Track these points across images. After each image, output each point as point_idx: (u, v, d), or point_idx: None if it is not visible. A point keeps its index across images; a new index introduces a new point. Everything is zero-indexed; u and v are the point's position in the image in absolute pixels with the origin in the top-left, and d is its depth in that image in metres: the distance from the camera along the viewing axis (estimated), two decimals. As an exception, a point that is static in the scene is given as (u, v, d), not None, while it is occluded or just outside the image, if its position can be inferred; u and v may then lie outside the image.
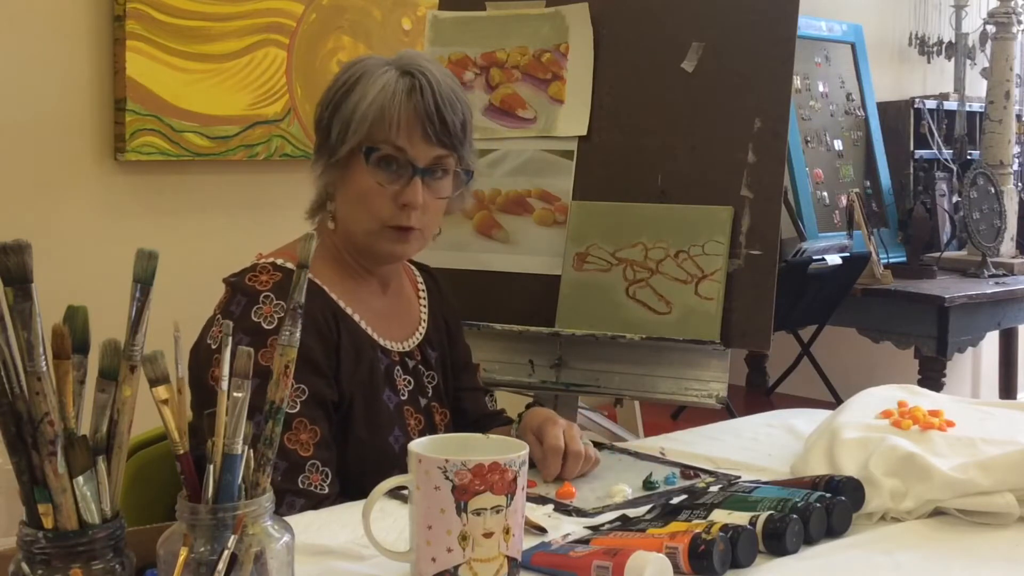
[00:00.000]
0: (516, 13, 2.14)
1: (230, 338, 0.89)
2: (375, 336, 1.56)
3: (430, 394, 1.63)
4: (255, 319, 1.44)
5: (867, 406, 1.52)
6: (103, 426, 0.87)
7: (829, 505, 1.20)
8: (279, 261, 1.51)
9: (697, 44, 2.00)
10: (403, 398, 1.57)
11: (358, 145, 1.51)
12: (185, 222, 2.84)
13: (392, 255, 1.58)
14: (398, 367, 1.58)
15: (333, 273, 1.55)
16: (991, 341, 4.02)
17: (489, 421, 1.71)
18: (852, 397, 1.58)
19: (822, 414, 1.63)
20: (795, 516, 1.16)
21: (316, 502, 1.40)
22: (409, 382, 1.60)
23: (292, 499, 1.39)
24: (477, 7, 2.17)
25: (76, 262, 2.62)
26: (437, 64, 1.58)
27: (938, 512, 1.27)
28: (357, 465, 1.47)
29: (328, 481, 1.43)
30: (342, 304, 1.53)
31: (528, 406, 1.67)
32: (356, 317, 1.54)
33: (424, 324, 1.66)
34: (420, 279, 1.72)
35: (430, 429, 1.60)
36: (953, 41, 4.00)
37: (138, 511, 1.34)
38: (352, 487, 1.42)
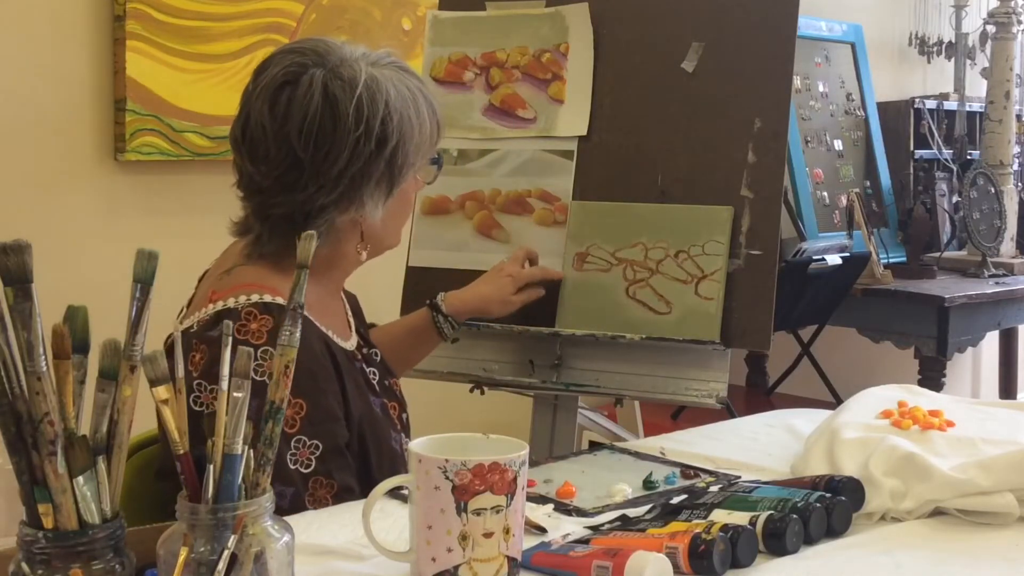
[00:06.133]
0: (516, 13, 2.14)
1: (230, 338, 0.89)
2: (344, 345, 1.52)
3: (384, 372, 1.59)
4: (258, 378, 1.28)
5: (867, 406, 1.52)
6: (103, 426, 0.87)
7: (829, 505, 1.20)
8: (255, 297, 1.41)
9: (697, 44, 2.00)
10: (379, 393, 1.54)
11: (429, 160, 1.53)
12: (185, 222, 2.84)
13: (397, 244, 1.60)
14: (364, 364, 1.55)
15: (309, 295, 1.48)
16: (991, 341, 4.02)
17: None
18: (852, 397, 1.57)
19: (822, 414, 1.63)
20: (795, 516, 1.16)
21: None
22: (374, 374, 1.56)
23: None
24: (477, 7, 2.17)
25: (76, 262, 2.62)
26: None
27: (938, 512, 1.27)
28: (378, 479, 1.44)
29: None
30: (322, 327, 1.47)
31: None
32: (331, 334, 1.49)
33: (346, 303, 1.63)
34: None
35: (402, 407, 1.59)
36: (953, 41, 4.00)
37: (138, 511, 1.34)
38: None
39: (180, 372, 0.88)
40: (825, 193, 3.34)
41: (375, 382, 1.55)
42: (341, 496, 1.39)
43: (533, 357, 2.04)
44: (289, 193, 1.44)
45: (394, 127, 1.44)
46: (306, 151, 1.42)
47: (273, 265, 1.47)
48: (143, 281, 0.88)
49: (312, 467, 1.38)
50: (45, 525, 0.84)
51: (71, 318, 0.86)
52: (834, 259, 3.02)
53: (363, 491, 1.42)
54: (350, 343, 1.55)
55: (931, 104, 3.77)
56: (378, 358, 1.61)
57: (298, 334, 0.91)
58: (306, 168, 1.43)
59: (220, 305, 1.41)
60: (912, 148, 3.69)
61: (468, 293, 1.87)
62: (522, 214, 2.08)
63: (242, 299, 1.41)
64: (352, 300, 1.68)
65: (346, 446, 1.43)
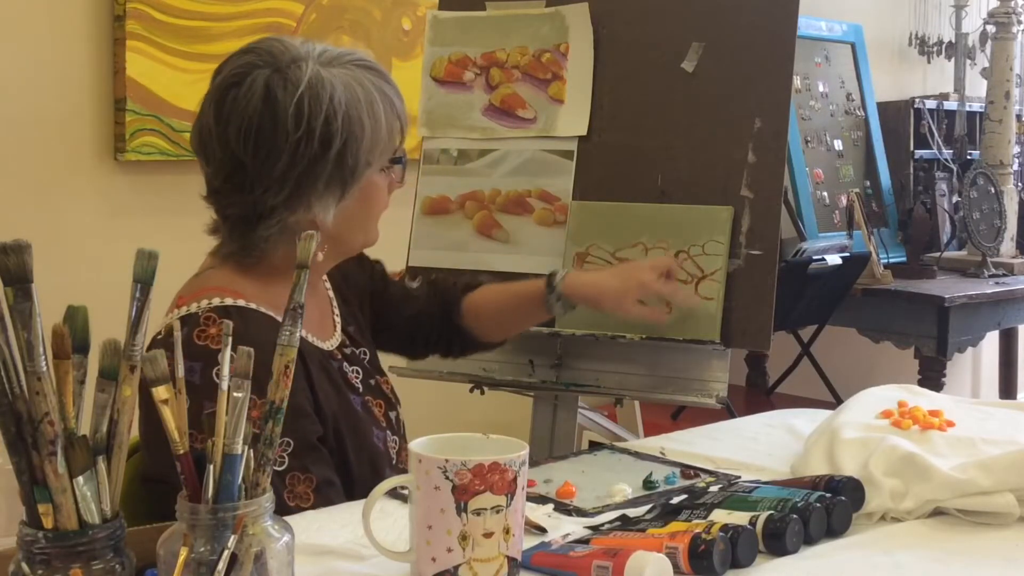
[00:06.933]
0: (516, 13, 2.14)
1: (229, 338, 0.89)
2: (320, 344, 1.51)
3: (370, 371, 1.59)
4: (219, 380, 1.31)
5: (867, 406, 1.52)
6: (103, 426, 0.87)
7: (829, 505, 1.20)
8: (216, 300, 1.40)
9: (697, 44, 2.00)
10: (361, 392, 1.54)
11: (388, 159, 1.48)
12: (185, 222, 2.82)
13: (373, 243, 1.56)
14: (344, 363, 1.54)
15: (269, 295, 1.44)
16: (991, 341, 4.02)
17: (445, 293, 1.79)
18: (852, 397, 1.57)
19: (822, 414, 1.63)
20: (795, 516, 1.16)
21: None
22: (358, 372, 1.55)
23: None
24: (477, 7, 2.17)
25: (76, 262, 2.62)
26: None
27: (938, 512, 1.27)
28: (361, 483, 1.44)
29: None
30: None
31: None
32: (303, 332, 1.44)
33: (335, 304, 1.62)
34: None
35: (389, 405, 1.58)
36: (953, 41, 4.00)
37: (138, 511, 1.34)
38: (358, 496, 1.40)
39: (180, 372, 0.88)
40: (825, 193, 3.34)
41: (358, 380, 1.55)
42: (321, 489, 1.39)
43: (533, 357, 2.04)
44: (238, 194, 1.43)
45: (339, 127, 1.41)
46: (246, 153, 1.41)
47: (237, 265, 1.47)
48: (143, 281, 0.88)
49: (286, 464, 1.37)
50: (45, 525, 0.84)
51: (71, 318, 0.86)
52: (834, 259, 3.02)
53: (342, 486, 1.43)
54: (329, 342, 1.55)
55: (931, 104, 3.77)
56: (365, 357, 1.60)
57: (298, 334, 0.91)
58: (249, 170, 1.41)
59: (184, 311, 1.41)
60: (912, 148, 3.69)
61: (589, 278, 1.80)
62: (522, 214, 2.08)
63: (204, 304, 1.40)
64: (343, 298, 1.66)
65: (321, 441, 1.43)
